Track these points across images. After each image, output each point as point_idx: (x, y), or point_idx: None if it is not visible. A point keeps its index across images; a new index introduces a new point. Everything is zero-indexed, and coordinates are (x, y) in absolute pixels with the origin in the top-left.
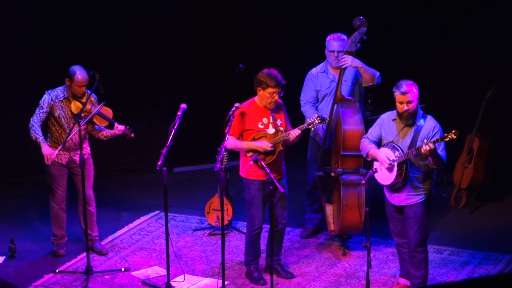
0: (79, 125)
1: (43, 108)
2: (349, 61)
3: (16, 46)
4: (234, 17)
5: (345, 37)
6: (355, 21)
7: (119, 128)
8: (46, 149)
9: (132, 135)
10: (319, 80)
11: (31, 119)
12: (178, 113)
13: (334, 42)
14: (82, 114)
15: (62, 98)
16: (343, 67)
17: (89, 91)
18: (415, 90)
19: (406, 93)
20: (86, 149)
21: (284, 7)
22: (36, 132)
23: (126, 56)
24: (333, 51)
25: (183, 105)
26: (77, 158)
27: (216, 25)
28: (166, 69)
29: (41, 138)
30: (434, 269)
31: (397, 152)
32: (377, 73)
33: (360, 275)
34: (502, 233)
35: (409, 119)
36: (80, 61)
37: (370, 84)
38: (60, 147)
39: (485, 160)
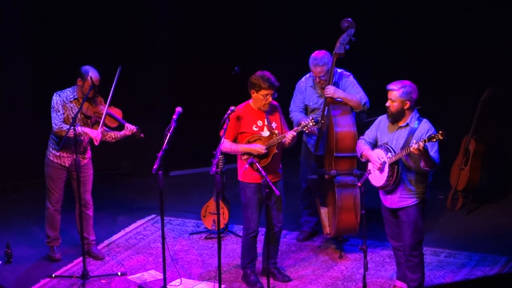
0: (75, 129)
1: (59, 111)
2: (332, 92)
3: (11, 48)
4: (230, 20)
5: (326, 58)
6: (343, 23)
7: (130, 128)
8: (91, 132)
9: (142, 135)
10: (307, 95)
11: (54, 125)
12: (174, 116)
13: (314, 69)
14: (93, 115)
15: (72, 99)
16: (326, 96)
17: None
18: (403, 91)
19: (389, 91)
20: (88, 152)
21: (280, 10)
22: (67, 128)
23: (121, 59)
24: (316, 77)
25: (179, 109)
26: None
27: (212, 28)
28: (162, 72)
29: (81, 128)
30: (431, 271)
31: (389, 154)
32: (363, 100)
33: (357, 277)
34: (499, 234)
35: (389, 117)
36: (75, 64)
37: (357, 111)
38: (101, 125)
39: (482, 161)
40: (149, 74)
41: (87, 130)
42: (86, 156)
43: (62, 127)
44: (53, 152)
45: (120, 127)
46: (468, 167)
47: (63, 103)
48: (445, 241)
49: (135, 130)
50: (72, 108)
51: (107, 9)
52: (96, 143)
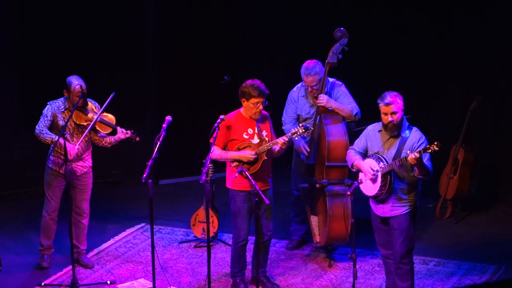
0: (64, 137)
1: (47, 117)
2: (325, 101)
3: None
4: (219, 29)
5: (318, 68)
6: (336, 32)
7: (125, 132)
8: (68, 145)
9: (138, 138)
10: (300, 104)
11: (37, 127)
12: (163, 125)
13: (306, 78)
14: (85, 123)
15: (63, 109)
16: (318, 105)
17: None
18: (399, 101)
19: (390, 104)
20: (88, 161)
21: (271, 20)
22: (48, 133)
23: (110, 68)
24: (307, 87)
25: (168, 117)
26: (77, 169)
27: (201, 37)
28: (151, 81)
29: (56, 137)
30: (420, 280)
31: (381, 163)
32: (355, 111)
33: (346, 286)
34: (487, 243)
35: (394, 130)
36: (67, 74)
37: (348, 121)
38: (79, 142)
39: (471, 170)
40: (139, 82)
41: (62, 142)
42: (86, 165)
43: (42, 130)
44: (52, 159)
45: (114, 133)
46: (457, 176)
47: (53, 111)
48: (434, 250)
49: (129, 133)
50: (64, 118)
51: (96, 20)
52: (69, 157)
